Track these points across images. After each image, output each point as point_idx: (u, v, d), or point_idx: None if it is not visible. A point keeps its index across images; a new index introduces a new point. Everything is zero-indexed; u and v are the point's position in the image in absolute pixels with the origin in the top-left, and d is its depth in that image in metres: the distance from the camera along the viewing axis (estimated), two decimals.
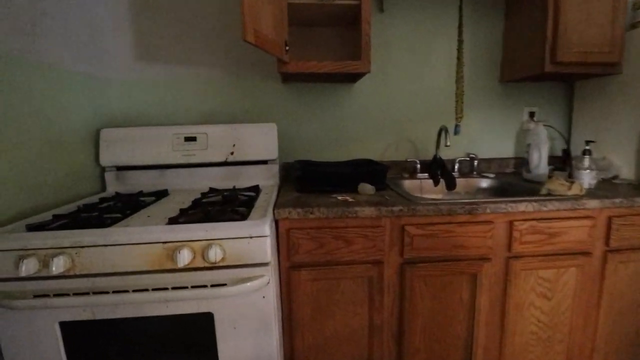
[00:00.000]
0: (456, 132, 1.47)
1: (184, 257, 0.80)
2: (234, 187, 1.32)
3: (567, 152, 1.48)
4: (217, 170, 1.38)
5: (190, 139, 1.36)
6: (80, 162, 1.26)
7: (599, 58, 1.29)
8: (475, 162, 1.58)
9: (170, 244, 0.83)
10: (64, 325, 0.84)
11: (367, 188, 1.19)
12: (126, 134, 1.34)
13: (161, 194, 1.24)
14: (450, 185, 1.35)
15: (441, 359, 1.14)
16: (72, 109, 1.22)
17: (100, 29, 1.39)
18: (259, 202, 1.09)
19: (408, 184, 1.48)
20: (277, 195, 1.19)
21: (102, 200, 1.15)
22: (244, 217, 0.91)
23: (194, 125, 1.38)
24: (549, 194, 1.14)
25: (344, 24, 1.43)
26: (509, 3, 1.52)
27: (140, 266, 0.83)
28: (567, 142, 1.58)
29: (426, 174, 1.52)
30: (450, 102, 1.58)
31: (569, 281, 1.13)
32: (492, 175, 1.53)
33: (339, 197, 1.13)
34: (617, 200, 1.09)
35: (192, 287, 0.84)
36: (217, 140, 1.36)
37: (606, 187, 1.25)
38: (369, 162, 1.37)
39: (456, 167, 1.57)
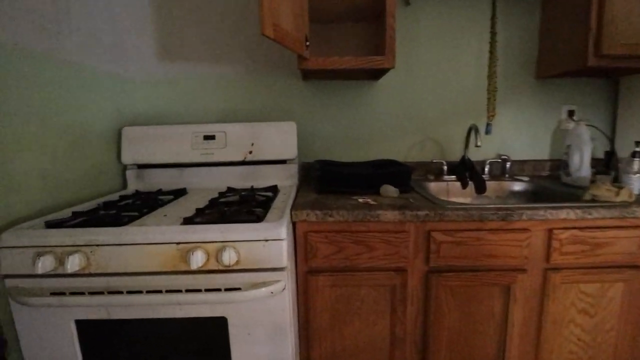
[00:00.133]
0: (487, 132, 1.38)
1: (198, 259, 0.78)
2: (252, 186, 1.29)
3: (611, 154, 1.35)
4: (236, 170, 1.36)
5: (209, 137, 1.35)
6: (102, 159, 1.27)
7: None
8: (508, 164, 1.47)
9: (183, 245, 0.80)
10: (79, 323, 0.84)
11: (390, 190, 1.12)
12: (147, 133, 1.34)
13: (179, 193, 1.23)
14: (480, 188, 1.26)
15: None
16: (95, 107, 1.24)
17: (124, 29, 1.41)
18: (276, 203, 1.05)
19: (434, 186, 1.41)
20: (296, 196, 1.15)
21: (122, 197, 1.16)
22: (259, 218, 0.87)
23: (213, 124, 1.37)
24: (593, 200, 1.03)
25: (366, 18, 1.37)
26: None
27: (154, 267, 0.81)
28: (612, 142, 1.45)
29: (453, 176, 1.43)
30: (480, 99, 1.48)
31: (615, 297, 1.02)
32: (526, 179, 1.42)
33: (360, 200, 1.08)
34: None
35: (206, 290, 0.81)
36: (235, 139, 1.35)
37: None
38: (392, 163, 1.31)
39: (486, 169, 1.48)
